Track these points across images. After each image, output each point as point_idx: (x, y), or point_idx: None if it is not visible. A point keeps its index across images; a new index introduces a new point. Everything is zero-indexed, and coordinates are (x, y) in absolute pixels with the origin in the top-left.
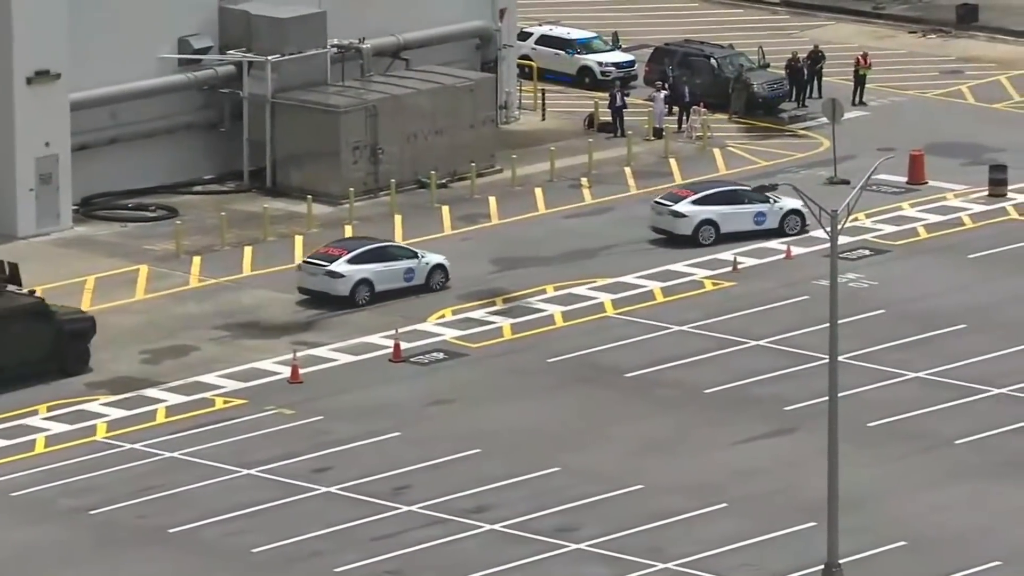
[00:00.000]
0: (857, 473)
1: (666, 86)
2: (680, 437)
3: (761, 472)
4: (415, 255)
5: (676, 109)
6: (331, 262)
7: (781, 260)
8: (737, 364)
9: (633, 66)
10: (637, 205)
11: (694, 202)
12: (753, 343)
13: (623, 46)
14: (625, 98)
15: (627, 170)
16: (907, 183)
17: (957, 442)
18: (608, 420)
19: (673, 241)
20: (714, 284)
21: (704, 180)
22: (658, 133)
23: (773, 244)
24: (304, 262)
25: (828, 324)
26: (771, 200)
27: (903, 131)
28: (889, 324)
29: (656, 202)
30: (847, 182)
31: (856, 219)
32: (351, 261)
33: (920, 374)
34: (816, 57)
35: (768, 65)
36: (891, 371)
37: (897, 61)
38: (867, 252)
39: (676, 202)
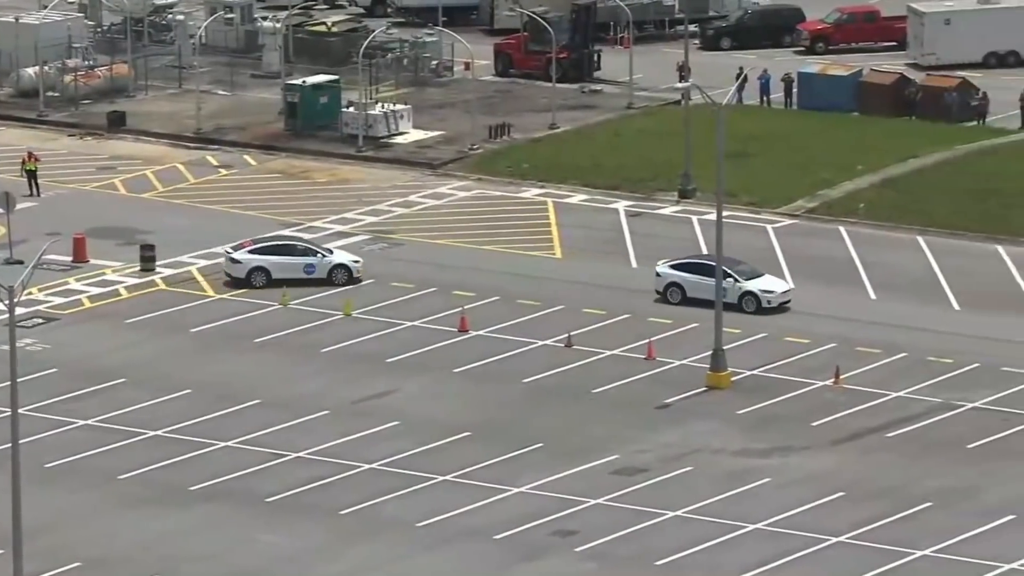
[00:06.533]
0: (38, 506)
1: None
2: None
3: None
4: (317, 253)
5: None
6: (237, 251)
7: None
8: None
9: None
10: None
11: (251, 251)
12: None
13: None
14: None
15: None
16: (72, 262)
17: (120, 477)
18: None
19: None
20: None
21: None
22: None
23: None
24: (225, 251)
25: (9, 382)
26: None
27: (68, 218)
28: (62, 381)
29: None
30: (21, 262)
31: (30, 293)
32: (251, 252)
33: (89, 421)
34: None
35: None
36: (65, 419)
37: (60, 159)
38: (40, 320)
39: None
